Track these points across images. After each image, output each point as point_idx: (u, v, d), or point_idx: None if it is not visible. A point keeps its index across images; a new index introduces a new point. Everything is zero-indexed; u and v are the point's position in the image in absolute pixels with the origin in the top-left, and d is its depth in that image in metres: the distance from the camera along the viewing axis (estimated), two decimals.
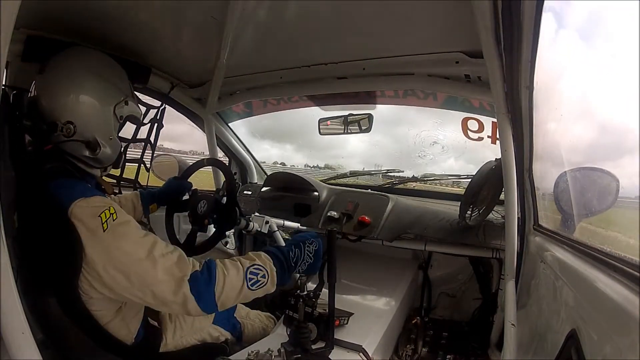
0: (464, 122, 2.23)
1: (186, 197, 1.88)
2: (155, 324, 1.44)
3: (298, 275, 1.47)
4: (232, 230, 2.01)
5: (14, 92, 1.30)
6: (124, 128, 1.49)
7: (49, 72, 1.28)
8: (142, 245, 1.11)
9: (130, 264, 1.08)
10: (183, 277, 1.09)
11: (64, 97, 1.25)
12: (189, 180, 1.91)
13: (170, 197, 1.85)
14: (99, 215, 1.10)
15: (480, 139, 2.22)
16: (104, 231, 1.08)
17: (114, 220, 1.11)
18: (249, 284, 1.16)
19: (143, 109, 1.57)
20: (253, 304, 1.93)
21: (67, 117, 1.24)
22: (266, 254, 1.26)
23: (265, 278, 1.20)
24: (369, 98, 2.35)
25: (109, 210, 1.11)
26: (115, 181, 1.66)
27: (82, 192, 1.16)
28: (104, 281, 1.10)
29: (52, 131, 1.24)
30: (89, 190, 1.22)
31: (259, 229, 1.97)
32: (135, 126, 1.58)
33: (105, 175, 1.50)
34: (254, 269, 1.18)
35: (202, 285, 1.10)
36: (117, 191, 1.67)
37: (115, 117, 1.35)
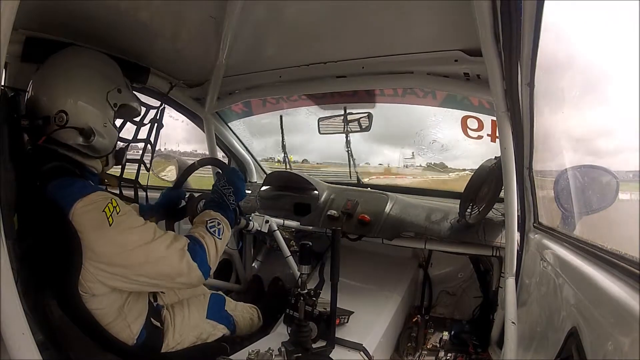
0: (464, 120, 2.22)
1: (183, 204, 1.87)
2: (158, 324, 1.44)
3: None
4: (233, 229, 2.01)
5: (12, 94, 1.30)
6: (124, 129, 1.50)
7: (42, 70, 1.31)
8: (146, 231, 1.23)
9: (138, 250, 1.18)
10: (183, 248, 1.25)
11: (54, 88, 1.28)
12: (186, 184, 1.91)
13: (168, 208, 1.84)
14: (104, 210, 1.15)
15: (480, 137, 2.22)
16: (110, 225, 1.14)
17: (117, 213, 1.17)
18: (216, 235, 1.37)
19: (143, 109, 1.57)
20: (237, 297, 1.94)
21: (59, 107, 1.26)
22: (204, 212, 1.47)
23: (220, 224, 1.41)
24: (369, 97, 2.35)
25: (112, 204, 1.17)
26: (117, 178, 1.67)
27: (82, 190, 1.17)
28: (116, 271, 1.17)
29: (46, 124, 1.25)
30: (89, 186, 1.22)
31: (259, 228, 1.97)
32: (135, 127, 1.59)
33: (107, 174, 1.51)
34: (209, 224, 1.39)
35: (200, 254, 1.28)
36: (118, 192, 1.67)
37: (109, 105, 1.35)
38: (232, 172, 1.63)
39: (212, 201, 1.53)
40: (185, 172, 1.86)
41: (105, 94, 1.34)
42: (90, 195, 1.16)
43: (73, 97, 1.28)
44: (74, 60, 1.34)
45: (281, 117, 2.85)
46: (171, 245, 1.23)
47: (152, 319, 1.41)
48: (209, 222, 1.39)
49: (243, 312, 1.86)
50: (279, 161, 3.13)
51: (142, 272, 1.20)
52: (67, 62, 1.33)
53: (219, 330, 1.67)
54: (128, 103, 1.43)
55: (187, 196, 1.85)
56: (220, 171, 1.71)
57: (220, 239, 1.38)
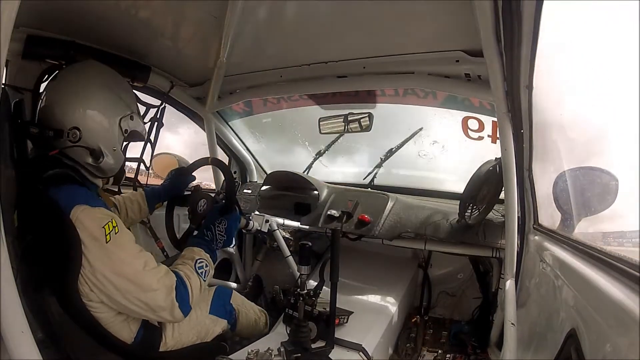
0: (464, 121, 2.22)
1: (187, 192, 1.88)
2: (156, 323, 1.44)
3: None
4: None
5: (17, 100, 1.31)
6: None
7: (60, 80, 1.33)
8: (139, 258, 1.23)
9: (129, 274, 1.18)
10: (172, 286, 1.25)
11: (72, 104, 1.28)
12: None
13: (172, 192, 1.85)
14: (103, 227, 1.16)
15: (481, 138, 2.22)
16: (106, 242, 1.15)
17: (116, 233, 1.18)
18: (202, 277, 1.38)
19: (143, 108, 1.58)
20: (249, 299, 1.94)
21: (73, 124, 1.27)
22: (195, 247, 1.45)
23: (207, 267, 1.42)
24: (369, 97, 2.35)
25: (112, 223, 1.18)
26: (114, 192, 1.71)
27: (86, 200, 1.19)
28: (104, 289, 1.17)
29: (58, 137, 1.26)
30: (93, 199, 1.24)
31: (259, 228, 1.97)
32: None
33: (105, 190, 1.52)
34: (198, 264, 1.39)
35: (183, 294, 1.28)
36: (115, 200, 1.70)
37: (120, 130, 1.37)
38: (235, 220, 1.59)
39: (204, 240, 1.50)
40: (198, 161, 1.87)
41: (119, 119, 1.37)
42: (94, 208, 1.18)
43: (89, 117, 1.30)
44: (94, 79, 1.34)
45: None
46: (161, 280, 1.23)
47: None
48: (198, 261, 1.39)
49: (249, 310, 1.85)
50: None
51: (127, 296, 1.19)
52: (87, 79, 1.33)
53: (219, 326, 1.66)
54: (137, 129, 1.45)
55: (193, 187, 1.86)
56: (223, 205, 1.64)
57: (205, 281, 1.39)
